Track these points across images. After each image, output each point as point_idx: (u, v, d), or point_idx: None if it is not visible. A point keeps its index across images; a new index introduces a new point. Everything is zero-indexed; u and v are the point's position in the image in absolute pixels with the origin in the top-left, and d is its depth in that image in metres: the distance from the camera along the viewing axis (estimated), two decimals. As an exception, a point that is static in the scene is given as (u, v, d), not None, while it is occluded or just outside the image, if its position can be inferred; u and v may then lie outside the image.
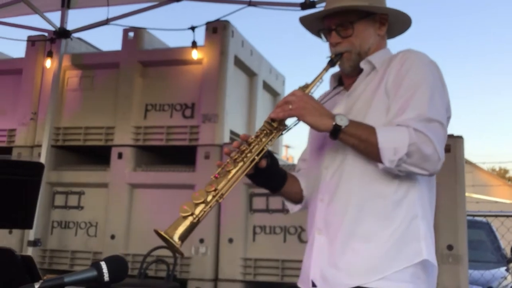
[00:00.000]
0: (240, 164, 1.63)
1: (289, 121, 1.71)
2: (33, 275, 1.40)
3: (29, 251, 4.46)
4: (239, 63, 4.93)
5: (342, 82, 1.92)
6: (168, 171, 4.59)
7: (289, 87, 6.37)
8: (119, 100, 4.79)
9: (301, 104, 1.61)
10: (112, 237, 4.52)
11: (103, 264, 1.37)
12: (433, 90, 1.63)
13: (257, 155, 1.65)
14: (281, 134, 1.71)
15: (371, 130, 1.58)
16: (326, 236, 1.69)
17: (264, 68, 5.56)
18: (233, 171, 1.61)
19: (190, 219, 1.52)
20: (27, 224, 3.05)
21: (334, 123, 1.57)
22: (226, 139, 4.60)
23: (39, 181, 2.85)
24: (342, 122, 1.57)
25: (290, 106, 1.62)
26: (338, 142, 1.64)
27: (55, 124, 4.88)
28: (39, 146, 4.82)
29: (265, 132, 1.68)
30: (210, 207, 1.55)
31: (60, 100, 4.96)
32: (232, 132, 4.76)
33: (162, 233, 1.49)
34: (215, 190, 1.56)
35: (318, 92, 1.81)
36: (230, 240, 4.23)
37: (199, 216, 1.53)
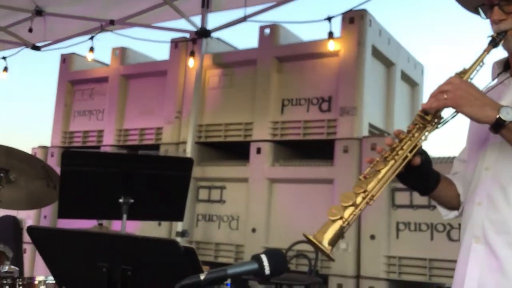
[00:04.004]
0: (391, 162, 1.50)
1: (446, 113, 1.56)
2: (195, 266, 1.42)
3: (177, 242, 4.73)
4: (376, 53, 4.76)
5: (509, 67, 1.71)
6: (306, 166, 4.57)
7: (428, 77, 6.02)
8: (257, 96, 4.88)
9: (458, 93, 1.44)
10: (253, 230, 4.61)
11: (264, 257, 1.35)
12: None
13: (410, 152, 1.51)
14: (436, 127, 1.56)
15: None
16: (485, 245, 1.51)
17: (402, 57, 5.31)
18: (384, 171, 1.49)
19: (339, 222, 1.43)
20: (179, 216, 3.22)
21: (497, 116, 1.39)
22: (365, 133, 4.46)
23: (189, 175, 2.98)
24: (508, 116, 1.39)
25: (445, 96, 1.46)
26: (504, 141, 1.46)
27: (198, 122, 5.12)
28: (184, 143, 5.09)
29: (417, 126, 1.53)
30: (360, 209, 1.45)
31: (202, 99, 5.19)
32: (370, 125, 4.62)
33: (311, 237, 1.43)
34: (364, 191, 1.46)
35: (478, 80, 1.62)
36: (372, 237, 4.10)
37: (349, 219, 1.44)
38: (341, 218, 1.43)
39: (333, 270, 4.17)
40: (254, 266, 1.34)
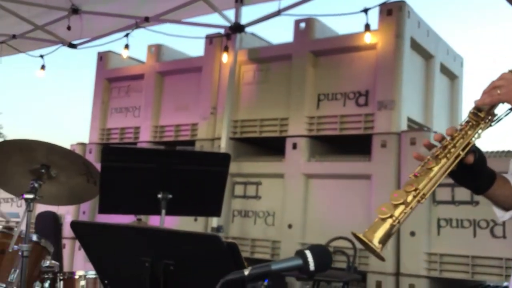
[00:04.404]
0: (443, 160, 1.45)
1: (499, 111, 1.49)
2: (237, 262, 1.40)
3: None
4: (415, 45, 4.65)
5: None
6: (343, 161, 4.51)
7: (468, 69, 5.85)
8: (292, 91, 4.83)
9: None
10: (289, 226, 4.58)
11: (308, 253, 1.32)
12: None
13: (462, 150, 1.46)
14: (490, 125, 1.50)
15: None
16: None
17: (441, 49, 5.18)
18: (435, 169, 1.44)
19: (389, 221, 1.39)
20: (216, 212, 3.21)
21: None
22: (404, 127, 4.37)
23: (227, 171, 2.97)
24: None
25: (499, 91, 1.42)
26: None
27: (233, 117, 5.11)
28: (219, 138, 5.09)
29: (470, 124, 1.48)
30: (411, 208, 1.40)
31: (237, 94, 5.17)
32: (409, 119, 4.52)
33: (361, 236, 1.39)
34: (415, 190, 1.41)
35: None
36: (412, 234, 4.00)
37: (399, 218, 1.39)
38: (391, 216, 1.39)
39: (371, 267, 4.10)
40: (299, 262, 1.31)
